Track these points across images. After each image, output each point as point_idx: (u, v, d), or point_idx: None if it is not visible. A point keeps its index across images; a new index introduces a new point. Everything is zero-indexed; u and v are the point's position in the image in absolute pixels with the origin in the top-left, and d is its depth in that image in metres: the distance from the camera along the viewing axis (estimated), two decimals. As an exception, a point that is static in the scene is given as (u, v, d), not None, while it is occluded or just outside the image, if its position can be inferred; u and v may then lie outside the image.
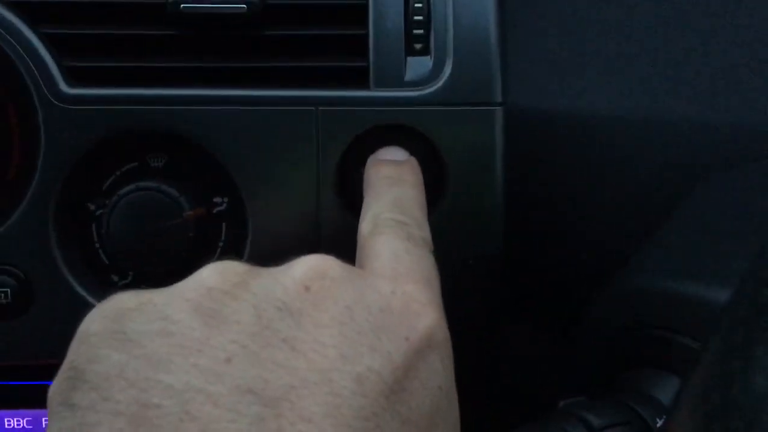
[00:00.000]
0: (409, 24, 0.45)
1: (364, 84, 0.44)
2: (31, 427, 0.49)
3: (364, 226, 0.35)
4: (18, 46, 0.42)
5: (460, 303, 0.35)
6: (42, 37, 0.43)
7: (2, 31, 0.42)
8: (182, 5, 0.43)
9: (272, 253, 0.43)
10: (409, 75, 0.44)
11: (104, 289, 0.45)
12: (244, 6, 0.43)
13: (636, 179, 0.49)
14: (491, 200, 0.45)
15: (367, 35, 0.45)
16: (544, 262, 0.51)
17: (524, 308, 0.53)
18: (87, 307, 0.42)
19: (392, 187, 0.39)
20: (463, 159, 0.44)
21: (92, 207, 0.45)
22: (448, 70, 0.44)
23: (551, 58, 0.50)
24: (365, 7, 0.45)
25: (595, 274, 0.48)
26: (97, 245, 0.45)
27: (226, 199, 0.45)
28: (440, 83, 0.44)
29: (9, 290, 0.43)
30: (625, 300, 0.46)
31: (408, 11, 0.45)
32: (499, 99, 0.44)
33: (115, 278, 0.45)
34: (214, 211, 0.45)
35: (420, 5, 0.45)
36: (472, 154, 0.44)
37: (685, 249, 0.46)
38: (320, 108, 0.44)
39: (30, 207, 0.44)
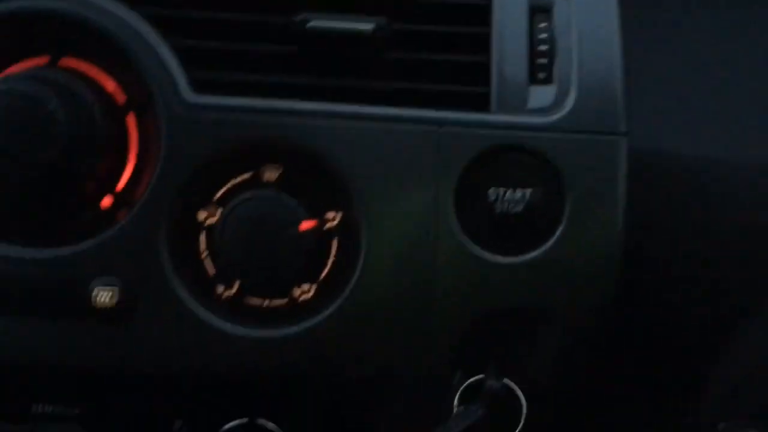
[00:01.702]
0: (532, 53, 0.45)
1: (485, 108, 0.44)
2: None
3: None
4: (149, 56, 0.43)
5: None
6: (171, 49, 0.44)
7: (135, 41, 0.43)
8: (308, 23, 0.44)
9: (386, 270, 0.43)
10: (532, 102, 0.44)
11: (209, 299, 0.44)
12: (371, 27, 0.44)
13: (758, 228, 0.48)
14: (610, 230, 0.43)
15: (489, 62, 0.45)
16: (658, 312, 0.49)
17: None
18: (192, 317, 0.41)
19: None
20: (585, 186, 0.43)
21: (202, 217, 0.44)
22: (572, 98, 0.44)
23: (672, 101, 0.50)
24: (488, 35, 0.45)
25: (717, 326, 0.46)
26: (205, 255, 0.44)
27: (339, 214, 0.44)
28: (564, 111, 0.44)
29: (115, 291, 0.42)
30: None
31: (532, 40, 0.45)
32: (624, 129, 0.44)
33: (220, 289, 0.44)
34: (326, 227, 0.44)
35: (544, 35, 0.45)
36: (594, 181, 0.43)
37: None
38: (442, 128, 0.43)
39: (140, 214, 0.43)
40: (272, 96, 0.44)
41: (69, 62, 0.44)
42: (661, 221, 0.48)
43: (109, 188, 0.44)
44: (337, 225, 0.44)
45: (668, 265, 0.49)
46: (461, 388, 0.44)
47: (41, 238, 0.43)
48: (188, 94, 0.43)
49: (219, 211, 0.43)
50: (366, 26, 0.44)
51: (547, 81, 0.45)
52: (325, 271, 0.44)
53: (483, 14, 0.46)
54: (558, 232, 0.43)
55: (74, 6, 0.43)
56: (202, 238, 0.44)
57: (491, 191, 0.43)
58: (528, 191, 0.43)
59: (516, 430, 0.44)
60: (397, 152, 0.43)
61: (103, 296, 0.42)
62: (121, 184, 0.44)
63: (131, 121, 0.44)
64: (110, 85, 0.44)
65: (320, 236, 0.44)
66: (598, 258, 0.44)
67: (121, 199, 0.44)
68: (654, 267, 0.48)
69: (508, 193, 0.43)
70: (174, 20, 0.44)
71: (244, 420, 0.46)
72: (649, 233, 0.47)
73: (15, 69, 0.44)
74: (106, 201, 0.44)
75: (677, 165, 0.48)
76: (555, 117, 0.44)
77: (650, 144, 0.47)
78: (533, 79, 0.45)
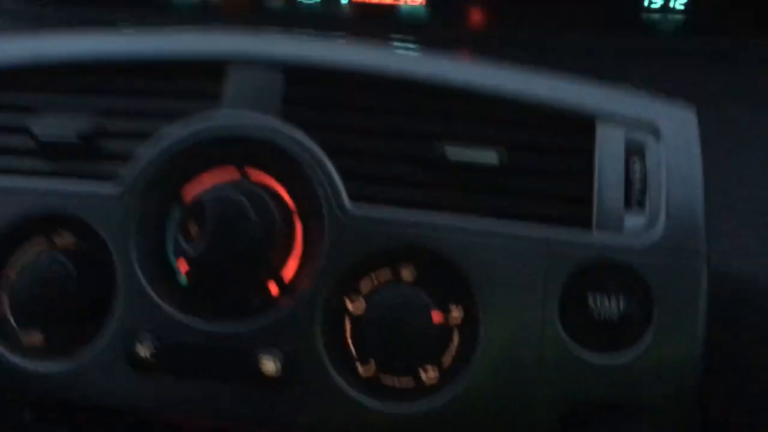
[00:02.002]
0: (628, 184, 0.54)
1: (588, 227, 0.54)
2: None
3: None
4: (319, 172, 0.54)
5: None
6: (337, 167, 0.55)
7: (309, 159, 0.54)
8: (446, 153, 0.55)
9: (498, 362, 0.51)
10: (627, 225, 0.54)
11: (351, 376, 0.53)
12: (496, 159, 0.55)
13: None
14: (693, 336, 0.51)
15: (592, 190, 0.54)
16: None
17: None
18: (337, 390, 0.51)
19: None
20: (671, 298, 0.51)
21: (350, 306, 0.54)
22: (661, 224, 0.53)
23: (752, 225, 0.58)
24: (591, 169, 0.55)
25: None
26: (350, 338, 0.53)
27: (462, 310, 0.53)
28: (654, 234, 0.53)
29: (278, 362, 0.52)
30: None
31: (628, 173, 0.55)
32: (705, 252, 0.52)
33: (361, 368, 0.53)
34: (451, 320, 0.53)
35: (638, 171, 0.55)
36: (679, 294, 0.51)
37: None
38: (551, 243, 0.53)
39: (302, 301, 0.53)
40: (414, 208, 0.54)
41: (255, 174, 0.56)
42: (738, 335, 0.55)
43: (278, 278, 0.54)
44: (461, 320, 0.53)
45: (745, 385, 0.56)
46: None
47: (222, 314, 0.54)
48: (348, 203, 0.54)
49: (364, 302, 0.53)
50: (492, 159, 0.55)
51: (641, 208, 0.54)
52: (448, 358, 0.53)
53: (587, 153, 0.56)
54: (648, 337, 0.51)
55: (263, 131, 0.55)
56: (349, 323, 0.54)
57: (591, 298, 0.52)
58: (622, 300, 0.52)
59: None
60: (513, 261, 0.53)
61: (269, 366, 0.52)
62: (287, 276, 0.54)
63: (299, 224, 0.55)
64: (285, 194, 0.55)
65: (446, 328, 0.53)
66: (683, 361, 0.51)
67: (286, 289, 0.54)
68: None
69: (605, 301, 0.52)
70: (339, 145, 0.56)
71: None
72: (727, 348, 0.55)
73: (209, 176, 0.56)
74: (275, 288, 0.54)
75: (754, 287, 0.56)
76: (646, 239, 0.53)
77: (729, 267, 0.55)
78: (628, 206, 0.54)
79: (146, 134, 0.56)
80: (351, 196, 0.54)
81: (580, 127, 0.56)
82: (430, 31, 0.80)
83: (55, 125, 0.58)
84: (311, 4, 0.85)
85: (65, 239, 0.56)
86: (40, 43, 0.62)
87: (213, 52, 0.59)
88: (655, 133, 0.56)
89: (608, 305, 0.52)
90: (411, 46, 0.66)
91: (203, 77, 0.58)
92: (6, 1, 0.81)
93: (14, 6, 0.80)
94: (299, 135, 0.55)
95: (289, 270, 0.55)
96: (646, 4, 0.80)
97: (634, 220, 0.54)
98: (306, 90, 0.58)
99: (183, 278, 0.55)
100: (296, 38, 0.61)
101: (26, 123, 0.58)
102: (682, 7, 0.79)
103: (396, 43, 0.67)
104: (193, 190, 0.54)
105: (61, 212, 0.55)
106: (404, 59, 0.59)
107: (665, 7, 0.79)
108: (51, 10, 0.80)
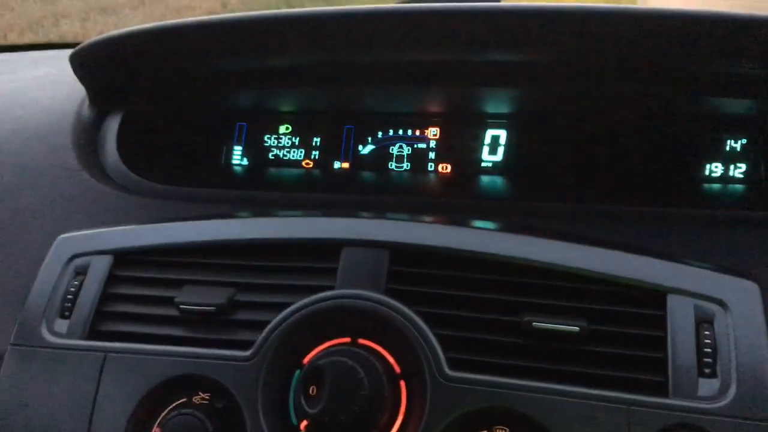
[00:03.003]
0: (700, 352, 0.61)
1: (664, 394, 0.59)
2: None
3: None
4: (421, 340, 0.63)
5: None
6: (435, 335, 0.63)
7: (413, 329, 0.63)
8: (533, 323, 0.63)
9: None
10: (701, 391, 0.59)
11: None
12: (578, 329, 0.62)
13: None
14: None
15: (666, 358, 0.61)
16: None
17: None
18: None
19: None
20: (747, 464, 0.56)
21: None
22: (733, 391, 0.58)
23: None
24: (665, 338, 0.62)
25: None
26: None
27: (548, 470, 0.59)
28: (727, 400, 0.58)
29: None
30: None
31: (699, 342, 0.61)
32: (776, 418, 0.57)
33: None
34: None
35: (708, 340, 0.61)
36: (755, 458, 0.56)
37: None
38: (631, 407, 0.59)
39: None
40: (504, 374, 0.62)
41: (363, 341, 0.65)
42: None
43: (385, 434, 0.62)
44: (550, 477, 0.59)
45: None
46: None
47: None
48: (447, 369, 0.62)
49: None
50: (574, 328, 0.62)
51: (712, 375, 0.60)
52: None
53: (659, 321, 0.63)
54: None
55: (372, 304, 0.65)
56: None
57: (670, 461, 0.57)
58: (699, 463, 0.57)
59: None
60: (597, 423, 0.59)
61: None
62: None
63: (403, 386, 0.63)
64: (391, 359, 0.64)
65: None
66: None
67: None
68: None
69: (683, 464, 0.57)
70: (437, 315, 0.64)
71: None
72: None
73: (325, 344, 0.65)
74: (383, 444, 0.62)
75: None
76: (720, 404, 0.58)
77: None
78: (701, 373, 0.60)
79: (274, 307, 0.66)
80: (449, 362, 0.62)
81: (652, 300, 0.63)
82: (505, 201, 0.90)
83: (196, 297, 0.69)
84: (401, 172, 0.98)
85: (203, 399, 0.65)
86: (184, 227, 0.75)
87: (330, 236, 0.70)
88: (722, 305, 0.63)
89: (686, 469, 0.57)
90: (497, 224, 0.75)
91: (322, 257, 0.69)
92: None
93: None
94: (400, 306, 0.64)
95: (395, 428, 0.62)
96: (706, 173, 0.89)
97: (706, 387, 0.59)
98: (408, 268, 0.67)
99: (304, 435, 0.63)
100: (399, 222, 0.71)
101: (172, 296, 0.69)
102: (742, 176, 0.87)
103: (481, 221, 0.77)
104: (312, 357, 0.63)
105: (200, 375, 0.65)
106: (493, 240, 0.68)
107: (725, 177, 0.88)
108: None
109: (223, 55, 0.91)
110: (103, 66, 0.94)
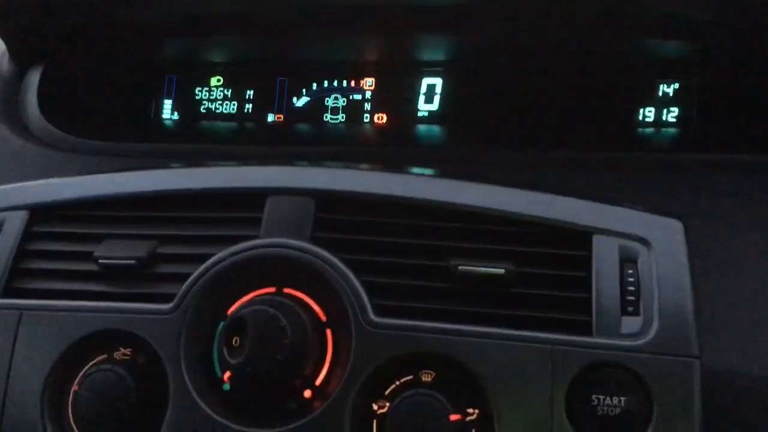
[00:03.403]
0: (623, 291, 0.61)
1: (588, 332, 0.59)
2: None
3: None
4: (347, 288, 0.61)
5: None
6: (361, 283, 0.62)
7: (338, 277, 0.62)
8: (459, 267, 0.62)
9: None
10: (624, 329, 0.59)
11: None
12: (503, 270, 0.61)
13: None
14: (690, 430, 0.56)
15: (591, 299, 0.61)
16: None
17: None
18: None
19: None
20: (668, 396, 0.57)
21: (376, 407, 0.60)
22: (655, 327, 0.59)
23: (744, 324, 0.63)
24: (589, 277, 0.61)
25: None
26: None
27: (477, 410, 0.59)
28: (649, 337, 0.58)
29: None
30: None
31: (622, 281, 0.61)
32: (697, 353, 0.58)
33: None
34: (467, 419, 0.59)
35: (632, 279, 0.61)
36: (675, 393, 0.57)
37: None
38: (555, 347, 0.59)
39: (333, 404, 0.59)
40: (430, 319, 0.61)
41: (289, 291, 0.63)
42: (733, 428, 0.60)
43: (310, 384, 0.61)
44: (476, 419, 0.59)
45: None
46: None
47: (261, 419, 0.60)
48: (373, 315, 0.61)
49: (388, 404, 0.59)
50: (499, 270, 0.62)
51: (635, 313, 0.60)
52: (469, 455, 0.58)
53: (584, 262, 0.62)
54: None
55: (297, 252, 0.63)
56: (375, 423, 0.60)
57: (594, 397, 0.57)
58: (623, 399, 0.57)
59: None
60: (521, 364, 0.58)
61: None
62: (318, 380, 0.61)
63: (329, 334, 0.62)
64: (316, 307, 0.63)
65: (463, 427, 0.58)
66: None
67: (318, 392, 0.60)
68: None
69: (607, 399, 0.57)
70: (364, 262, 0.63)
71: None
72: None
73: (250, 295, 0.63)
74: (308, 393, 0.61)
75: (748, 384, 0.60)
76: (642, 341, 0.58)
77: (722, 364, 0.60)
78: (624, 311, 0.60)
79: (196, 258, 0.64)
80: (375, 308, 0.61)
81: (577, 241, 0.63)
82: (442, 149, 0.89)
83: (115, 251, 0.66)
84: (336, 124, 0.96)
85: (123, 355, 0.63)
86: (103, 180, 0.72)
87: (253, 185, 0.68)
88: (646, 243, 0.63)
89: (610, 403, 0.57)
90: (425, 170, 0.74)
91: (246, 206, 0.67)
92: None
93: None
94: (327, 254, 0.63)
95: (321, 377, 0.61)
96: (640, 118, 0.89)
97: (629, 325, 0.60)
98: (334, 215, 0.66)
99: (227, 386, 0.62)
100: (324, 169, 0.70)
101: (91, 250, 0.67)
102: (674, 120, 0.88)
103: (411, 168, 0.75)
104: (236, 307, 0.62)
105: (120, 330, 0.63)
106: (419, 185, 0.67)
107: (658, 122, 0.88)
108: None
109: (150, 2, 0.87)
110: (21, 17, 0.89)
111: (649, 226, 0.64)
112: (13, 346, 0.64)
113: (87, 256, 0.67)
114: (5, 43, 0.93)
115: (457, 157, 0.85)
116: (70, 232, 0.69)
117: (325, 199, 0.66)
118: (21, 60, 0.94)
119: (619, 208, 0.65)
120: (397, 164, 0.80)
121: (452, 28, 0.88)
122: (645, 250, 0.63)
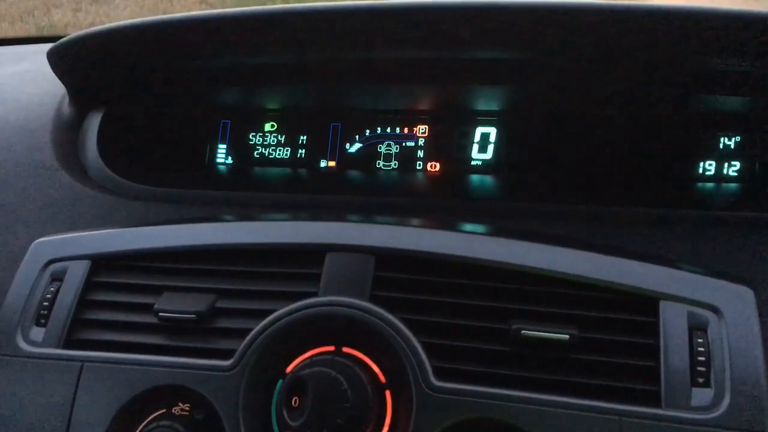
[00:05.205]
0: (693, 361, 0.59)
1: (656, 403, 0.58)
2: None
3: None
4: (407, 349, 0.61)
5: None
6: (421, 344, 0.61)
7: (399, 338, 0.61)
8: (522, 331, 0.61)
9: None
10: (694, 401, 0.57)
11: None
12: (567, 336, 0.60)
13: None
14: None
15: (659, 367, 0.59)
16: None
17: None
18: None
19: None
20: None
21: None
22: (726, 401, 0.57)
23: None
24: (657, 346, 0.60)
25: None
26: None
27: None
28: (721, 411, 0.56)
29: None
30: None
31: (692, 350, 0.59)
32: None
33: None
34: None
35: (702, 349, 0.59)
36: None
37: None
38: (622, 419, 0.57)
39: None
40: (491, 383, 0.60)
41: (347, 350, 0.63)
42: None
43: (370, 446, 0.60)
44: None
45: None
46: None
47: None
48: (434, 379, 0.60)
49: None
50: (564, 336, 0.60)
51: (706, 384, 0.58)
52: None
53: (651, 328, 0.61)
54: None
55: (357, 312, 0.63)
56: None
57: (664, 475, 0.56)
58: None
59: None
60: (586, 434, 0.57)
61: None
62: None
63: (388, 395, 0.61)
64: (375, 368, 0.62)
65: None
66: None
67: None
68: None
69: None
70: (423, 323, 0.62)
71: None
72: None
73: (309, 353, 0.63)
74: (368, 455, 0.60)
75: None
76: (714, 415, 0.56)
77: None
78: (694, 383, 0.58)
79: (256, 314, 0.64)
80: (434, 370, 0.60)
81: (644, 306, 0.62)
82: (496, 203, 0.88)
83: (176, 305, 0.67)
84: (389, 171, 0.96)
85: (182, 410, 0.63)
86: (164, 232, 0.72)
87: (313, 241, 0.68)
88: (716, 311, 0.61)
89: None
90: (485, 227, 0.73)
91: (305, 262, 0.67)
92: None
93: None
94: (385, 313, 0.62)
95: (380, 439, 0.60)
96: (700, 172, 0.87)
97: (700, 397, 0.58)
98: (393, 274, 0.65)
99: (286, 446, 0.61)
100: (384, 227, 0.69)
101: (151, 302, 0.67)
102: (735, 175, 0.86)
103: (468, 223, 0.75)
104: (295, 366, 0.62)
105: (180, 385, 0.63)
106: (481, 245, 0.66)
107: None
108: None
109: (207, 52, 0.88)
110: (82, 63, 0.91)
111: (719, 293, 0.62)
112: (74, 398, 0.64)
113: (147, 308, 0.67)
114: (66, 88, 0.95)
115: (510, 210, 0.84)
116: (131, 284, 0.69)
117: (385, 257, 0.66)
118: (81, 104, 0.95)
119: (687, 274, 0.64)
120: (450, 216, 0.79)
121: (505, 82, 0.88)
122: (715, 318, 0.61)
